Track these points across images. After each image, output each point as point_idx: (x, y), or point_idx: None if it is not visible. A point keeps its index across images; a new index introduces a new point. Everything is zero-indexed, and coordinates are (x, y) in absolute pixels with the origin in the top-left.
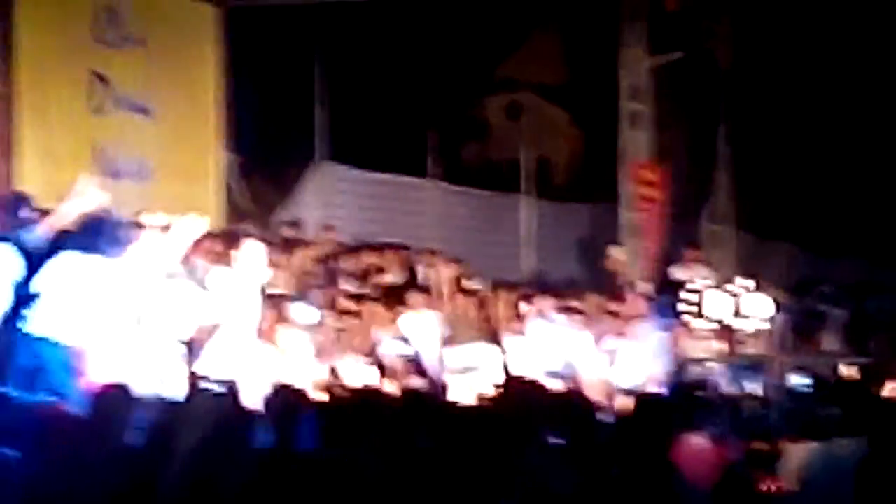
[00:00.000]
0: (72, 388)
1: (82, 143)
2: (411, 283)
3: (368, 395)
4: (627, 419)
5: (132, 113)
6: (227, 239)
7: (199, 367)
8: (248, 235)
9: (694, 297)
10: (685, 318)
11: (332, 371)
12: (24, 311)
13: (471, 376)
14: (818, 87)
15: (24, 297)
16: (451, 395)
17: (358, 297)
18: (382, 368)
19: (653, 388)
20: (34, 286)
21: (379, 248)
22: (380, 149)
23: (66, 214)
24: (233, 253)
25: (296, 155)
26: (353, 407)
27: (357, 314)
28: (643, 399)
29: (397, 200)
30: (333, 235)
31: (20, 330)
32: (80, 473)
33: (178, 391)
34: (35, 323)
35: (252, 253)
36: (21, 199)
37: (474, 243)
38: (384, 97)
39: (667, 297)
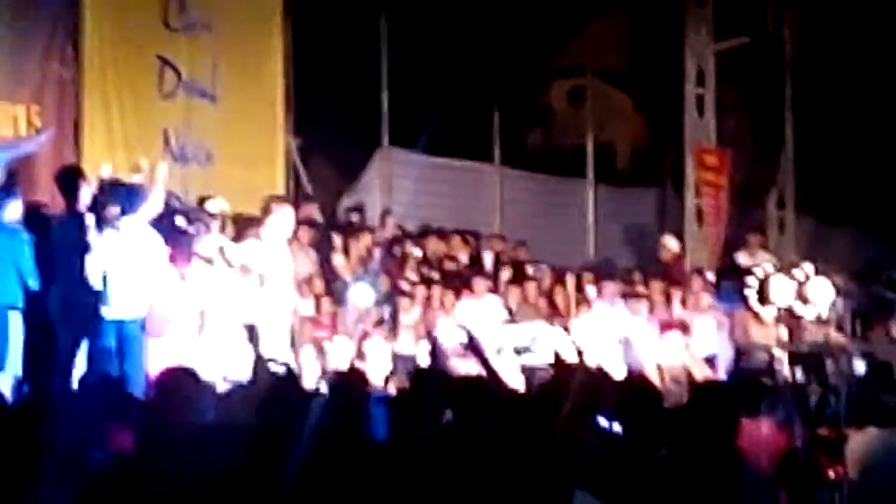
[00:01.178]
0: (143, 371)
1: (151, 127)
2: (476, 267)
3: (430, 379)
4: (691, 405)
5: (199, 98)
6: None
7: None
8: (310, 222)
9: (758, 283)
10: (749, 303)
11: (394, 354)
12: (99, 294)
13: (530, 356)
14: (884, 72)
15: (100, 280)
16: (511, 379)
17: (422, 282)
18: (444, 352)
19: (716, 374)
20: (107, 268)
21: (444, 233)
22: (444, 134)
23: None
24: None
25: (360, 140)
26: (414, 391)
27: (421, 299)
28: (706, 385)
29: (461, 185)
30: (396, 221)
31: (96, 312)
32: (153, 457)
33: (242, 374)
34: (112, 305)
35: (282, 217)
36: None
37: (538, 228)
38: (448, 82)
39: (731, 282)
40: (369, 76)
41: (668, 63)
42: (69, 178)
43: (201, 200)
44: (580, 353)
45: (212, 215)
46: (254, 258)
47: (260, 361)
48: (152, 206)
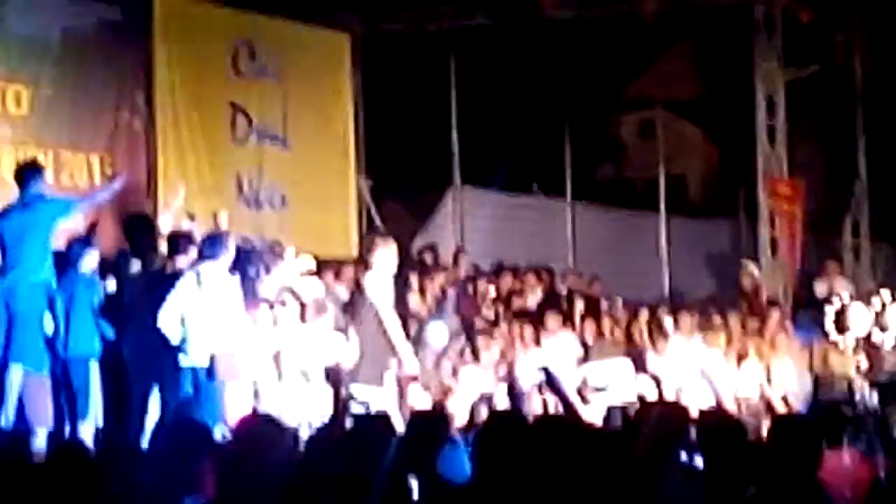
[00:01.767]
0: (221, 418)
1: (224, 173)
2: (551, 304)
3: (509, 419)
4: (772, 437)
5: (270, 143)
6: (365, 266)
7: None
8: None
9: (835, 312)
10: (827, 332)
11: (475, 394)
12: (178, 340)
13: (609, 394)
14: None
15: (176, 327)
16: (589, 415)
17: (497, 320)
18: (523, 392)
19: (797, 405)
20: (186, 315)
21: (517, 270)
22: (515, 171)
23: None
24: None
25: (431, 179)
26: (494, 431)
27: (498, 337)
28: (787, 417)
29: (533, 221)
30: (470, 259)
31: (176, 359)
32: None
33: (323, 419)
34: (189, 352)
35: (386, 256)
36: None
37: (612, 262)
38: (518, 119)
39: (808, 311)
40: (439, 115)
41: (737, 93)
42: (139, 227)
43: (273, 252)
44: (659, 388)
45: (277, 254)
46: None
47: (341, 403)
48: (229, 253)
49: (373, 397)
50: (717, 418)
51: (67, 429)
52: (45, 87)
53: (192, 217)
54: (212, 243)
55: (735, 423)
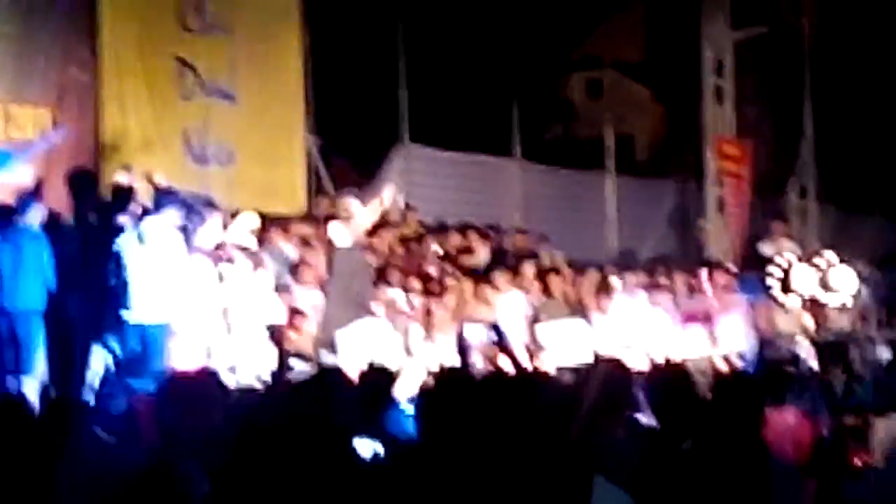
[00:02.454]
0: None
1: (170, 129)
2: (498, 263)
3: (456, 377)
4: (715, 396)
5: (218, 99)
6: (311, 223)
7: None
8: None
9: (781, 272)
10: (773, 293)
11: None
12: (124, 297)
13: (557, 353)
14: None
15: (122, 283)
16: (537, 374)
17: (444, 278)
18: (468, 349)
19: (741, 364)
20: (131, 272)
21: (465, 228)
22: (463, 129)
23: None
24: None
25: (379, 137)
26: (441, 390)
27: (443, 295)
28: (730, 375)
29: (481, 180)
30: (417, 216)
31: (122, 316)
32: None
33: (265, 375)
34: (135, 308)
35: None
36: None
37: (559, 222)
38: (466, 77)
39: (753, 272)
40: (387, 73)
41: (685, 54)
42: (83, 182)
43: (233, 215)
44: (602, 346)
45: (213, 206)
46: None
47: (283, 361)
48: (175, 210)
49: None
50: (665, 373)
51: (12, 384)
52: None
53: (128, 169)
54: (160, 200)
55: (683, 375)
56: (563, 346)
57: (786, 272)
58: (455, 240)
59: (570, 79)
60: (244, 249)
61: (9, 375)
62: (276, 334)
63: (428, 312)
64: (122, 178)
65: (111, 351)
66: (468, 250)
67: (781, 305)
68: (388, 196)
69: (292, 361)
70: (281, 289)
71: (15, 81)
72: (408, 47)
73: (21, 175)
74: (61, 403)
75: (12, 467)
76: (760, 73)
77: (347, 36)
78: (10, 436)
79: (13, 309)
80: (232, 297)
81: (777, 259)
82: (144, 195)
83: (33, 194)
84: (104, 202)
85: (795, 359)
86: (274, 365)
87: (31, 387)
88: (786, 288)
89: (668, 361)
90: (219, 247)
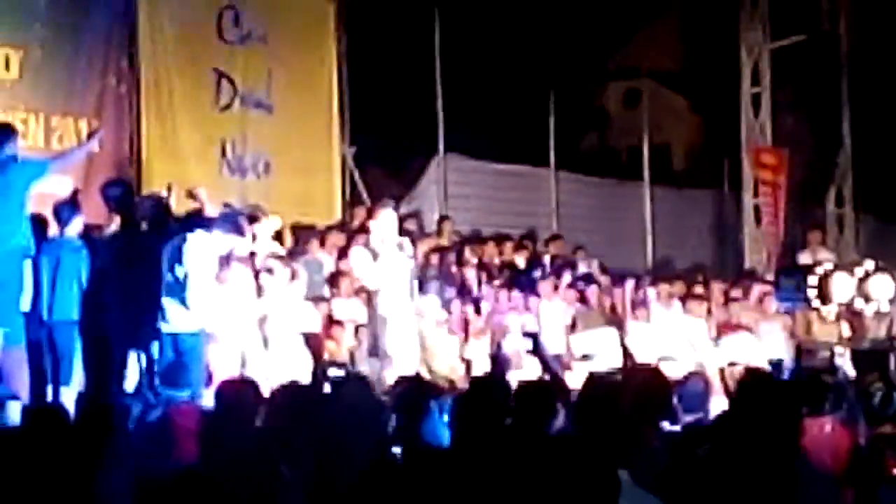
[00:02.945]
0: (204, 382)
1: (208, 140)
2: (534, 272)
3: (494, 385)
4: (753, 404)
5: (255, 109)
6: (348, 233)
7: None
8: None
9: (818, 281)
10: (810, 301)
11: (460, 360)
12: (161, 306)
13: (592, 363)
14: None
15: (159, 293)
16: (572, 383)
17: (480, 287)
18: (507, 358)
19: (779, 373)
20: (169, 282)
21: (501, 238)
22: (499, 139)
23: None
24: (370, 224)
25: (415, 147)
26: (478, 396)
27: (481, 304)
28: (769, 384)
29: (517, 190)
30: (453, 227)
31: (160, 325)
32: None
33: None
34: (173, 318)
35: (386, 219)
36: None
37: (595, 231)
38: (504, 88)
39: (791, 280)
40: (424, 83)
41: (722, 63)
42: (121, 193)
43: (252, 218)
44: (639, 355)
45: (252, 218)
46: (363, 266)
47: (319, 369)
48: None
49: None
50: (695, 384)
51: (50, 394)
52: (34, 50)
53: (169, 188)
54: (209, 222)
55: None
56: (600, 356)
57: (823, 280)
58: (491, 249)
59: (607, 88)
60: (280, 258)
61: (48, 385)
62: (311, 343)
63: (465, 322)
64: (162, 190)
65: (148, 360)
66: (504, 260)
67: (819, 314)
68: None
69: (330, 371)
70: (318, 299)
71: (55, 93)
72: (444, 56)
73: (60, 186)
74: (98, 413)
75: (51, 475)
76: (798, 82)
77: (383, 45)
78: (48, 444)
79: (52, 319)
80: (269, 307)
81: (815, 267)
82: (184, 209)
83: (72, 205)
84: (143, 213)
85: (833, 367)
86: (309, 374)
87: (69, 396)
88: (823, 296)
89: (700, 371)
90: (253, 255)
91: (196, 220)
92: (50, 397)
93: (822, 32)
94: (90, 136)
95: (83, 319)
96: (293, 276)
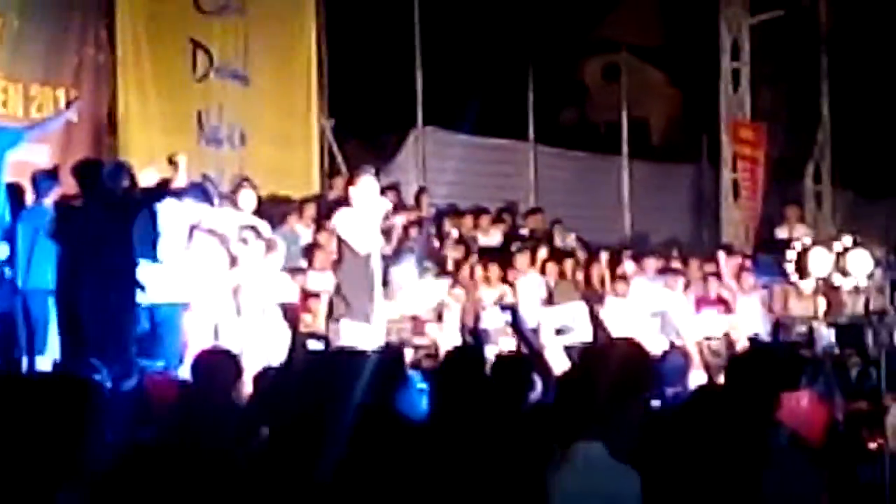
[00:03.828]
0: (179, 353)
1: (185, 110)
2: (511, 245)
3: (469, 357)
4: (730, 378)
5: (231, 80)
6: (325, 204)
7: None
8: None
9: (796, 256)
10: (788, 276)
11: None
12: (136, 277)
13: (568, 337)
14: None
15: (135, 264)
16: (553, 358)
17: (459, 260)
18: (486, 332)
19: (755, 347)
20: (143, 252)
21: (478, 211)
22: (478, 112)
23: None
24: (350, 190)
25: (394, 119)
26: (455, 368)
27: (458, 276)
28: (745, 358)
29: (495, 163)
30: (431, 199)
31: (134, 296)
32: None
33: (279, 354)
34: (147, 289)
35: (366, 186)
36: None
37: (573, 205)
38: (482, 60)
39: (769, 255)
40: (403, 55)
41: (702, 37)
42: (98, 163)
43: (235, 188)
44: (615, 330)
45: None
46: (350, 232)
47: (297, 340)
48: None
49: (361, 335)
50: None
51: (25, 362)
52: (12, 19)
53: (148, 152)
54: (182, 190)
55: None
56: (577, 330)
57: (801, 255)
58: (468, 222)
59: (586, 62)
60: (253, 229)
61: (21, 354)
62: (289, 314)
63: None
64: (139, 159)
65: (122, 330)
66: (483, 232)
67: (797, 289)
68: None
69: (310, 343)
70: (294, 270)
71: (34, 62)
72: (423, 29)
73: (36, 154)
74: (74, 382)
75: (24, 445)
76: (777, 57)
77: (362, 17)
78: (23, 414)
79: (27, 288)
80: (243, 278)
81: (793, 242)
82: (163, 176)
83: (48, 174)
84: (119, 183)
85: (810, 342)
86: (286, 346)
87: (44, 365)
88: (801, 271)
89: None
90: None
91: (166, 189)
92: (24, 366)
93: (801, 8)
94: (68, 104)
95: (58, 288)
96: (270, 247)
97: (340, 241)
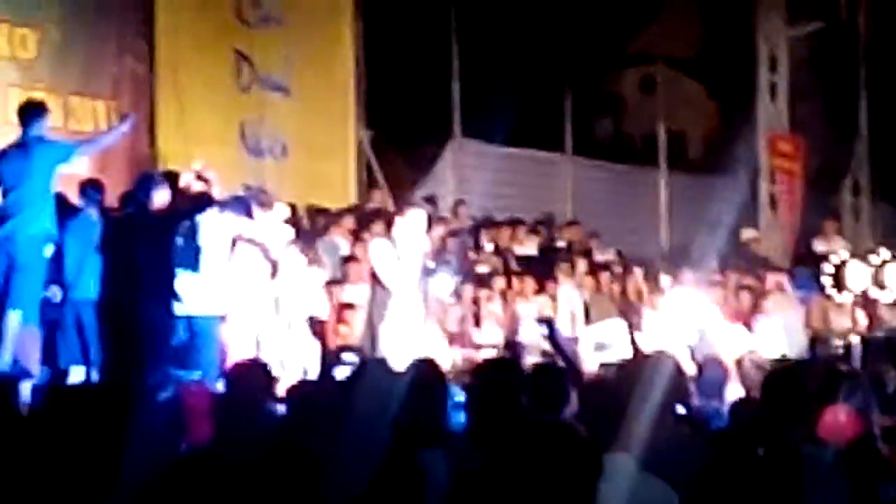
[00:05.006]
0: (217, 364)
1: (227, 121)
2: (548, 257)
3: (506, 368)
4: (767, 391)
5: (273, 91)
6: (362, 216)
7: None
8: (387, 213)
9: (834, 269)
10: (825, 289)
11: (472, 344)
12: (175, 289)
13: (606, 354)
14: None
15: (173, 274)
16: (587, 370)
17: (495, 272)
18: (522, 344)
19: (793, 361)
20: (181, 263)
21: (515, 222)
22: (515, 124)
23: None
24: (396, 220)
25: (432, 131)
26: (490, 381)
27: (494, 288)
28: (783, 371)
29: (532, 175)
30: (468, 211)
31: (172, 307)
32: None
33: (312, 367)
34: (185, 300)
35: (413, 221)
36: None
37: (610, 217)
38: (519, 72)
39: (807, 268)
40: (440, 67)
41: (740, 50)
42: (139, 174)
43: (261, 202)
44: (652, 343)
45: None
46: (384, 267)
47: (328, 355)
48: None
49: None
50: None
51: (74, 372)
52: (52, 31)
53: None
54: (220, 203)
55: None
56: (614, 346)
57: (839, 269)
58: (505, 234)
59: (623, 74)
60: (293, 242)
61: (63, 365)
62: (317, 328)
63: (475, 302)
64: (177, 171)
65: (161, 341)
66: (520, 244)
67: (834, 302)
68: None
69: (345, 356)
70: (332, 282)
71: (72, 73)
72: (461, 41)
73: (79, 166)
74: (116, 392)
75: (66, 453)
76: (815, 69)
77: (400, 29)
78: (71, 423)
79: (73, 298)
80: (284, 288)
81: (830, 256)
82: (197, 189)
83: (95, 184)
84: (151, 195)
85: (847, 356)
86: (315, 359)
87: (90, 375)
88: (839, 285)
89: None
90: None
91: (207, 201)
92: (75, 377)
93: (840, 20)
94: (122, 119)
95: (100, 299)
96: (314, 261)
97: (373, 272)
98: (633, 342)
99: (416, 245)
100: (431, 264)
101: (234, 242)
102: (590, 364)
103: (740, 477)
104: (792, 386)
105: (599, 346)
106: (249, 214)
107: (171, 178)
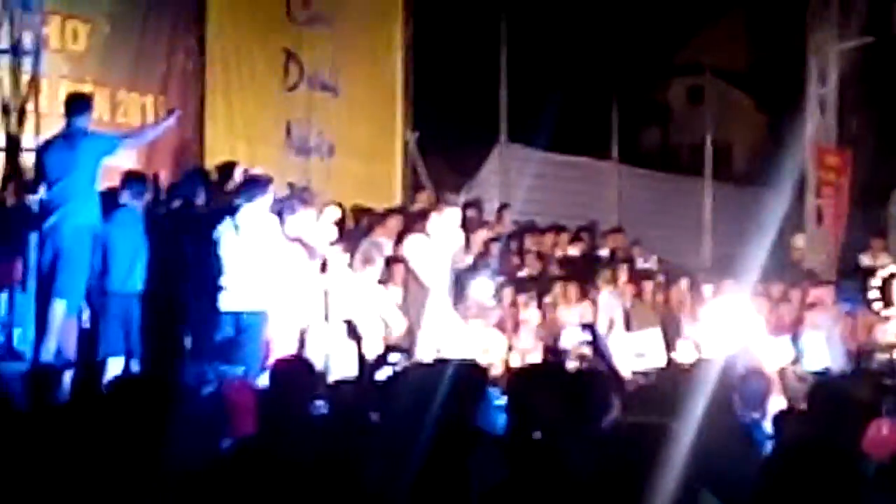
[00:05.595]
0: (260, 360)
1: (273, 120)
2: (590, 264)
3: (546, 373)
4: (813, 403)
5: (320, 91)
6: (408, 217)
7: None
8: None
9: (881, 283)
10: (872, 303)
11: (513, 349)
12: (220, 285)
13: (641, 362)
14: None
15: (218, 270)
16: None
17: (537, 277)
18: (563, 350)
19: (838, 374)
20: (226, 260)
21: (558, 228)
22: (561, 130)
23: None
24: (433, 216)
25: (478, 135)
26: (532, 385)
27: (535, 293)
28: (830, 383)
29: (577, 182)
30: (511, 215)
31: (216, 303)
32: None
33: (351, 368)
34: (229, 297)
35: (449, 219)
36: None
37: (654, 226)
38: (567, 78)
39: (853, 282)
40: (488, 72)
41: (789, 62)
42: (184, 169)
43: (303, 200)
44: (694, 353)
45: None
46: (420, 262)
47: (372, 355)
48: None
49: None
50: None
51: (113, 363)
52: (102, 24)
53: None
54: (249, 185)
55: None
56: (650, 355)
57: (885, 283)
58: (548, 240)
59: (671, 83)
60: (337, 241)
61: (109, 355)
62: (354, 329)
63: (514, 304)
64: (228, 166)
65: (205, 335)
66: (563, 250)
67: (880, 316)
68: None
69: (390, 356)
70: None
71: (122, 67)
72: (509, 45)
73: (122, 159)
74: (157, 385)
75: (112, 445)
76: (865, 84)
77: (449, 32)
78: (114, 413)
79: (117, 290)
80: (332, 284)
81: (876, 270)
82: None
83: (140, 178)
84: (205, 189)
85: (892, 370)
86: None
87: (130, 367)
88: (885, 299)
89: (759, 369)
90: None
91: (255, 197)
92: (115, 368)
93: (890, 35)
94: (169, 113)
95: (144, 292)
96: (368, 261)
97: (408, 268)
98: (669, 352)
99: (451, 242)
100: (470, 265)
101: (280, 240)
102: (625, 371)
103: (802, 493)
104: (839, 398)
105: (638, 354)
106: (294, 212)
107: (221, 173)
